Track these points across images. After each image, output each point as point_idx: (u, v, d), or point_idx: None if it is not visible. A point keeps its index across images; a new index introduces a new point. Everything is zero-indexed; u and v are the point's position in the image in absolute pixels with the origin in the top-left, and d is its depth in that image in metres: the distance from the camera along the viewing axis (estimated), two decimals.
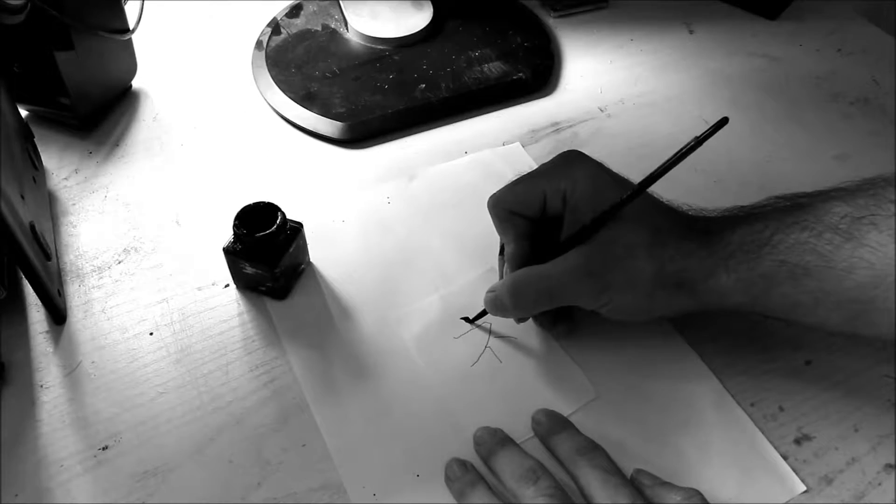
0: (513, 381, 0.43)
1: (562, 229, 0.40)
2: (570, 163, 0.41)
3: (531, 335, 0.45)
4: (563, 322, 0.44)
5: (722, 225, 0.39)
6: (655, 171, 0.36)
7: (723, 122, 0.33)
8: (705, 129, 0.33)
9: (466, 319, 0.45)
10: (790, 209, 0.38)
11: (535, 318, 0.45)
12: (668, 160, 0.35)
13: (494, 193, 0.42)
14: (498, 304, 0.41)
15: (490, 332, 0.45)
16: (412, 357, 0.43)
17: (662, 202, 0.40)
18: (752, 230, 0.37)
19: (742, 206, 0.40)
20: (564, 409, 0.41)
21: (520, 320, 0.44)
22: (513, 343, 0.44)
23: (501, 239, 0.43)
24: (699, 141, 0.34)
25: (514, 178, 0.42)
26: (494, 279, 0.47)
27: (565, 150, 0.42)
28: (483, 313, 0.44)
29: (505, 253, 0.42)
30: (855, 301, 0.35)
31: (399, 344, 0.44)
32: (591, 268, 0.38)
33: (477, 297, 0.45)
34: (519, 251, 0.41)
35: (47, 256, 0.44)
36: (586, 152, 0.42)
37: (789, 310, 0.38)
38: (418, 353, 0.44)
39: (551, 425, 0.40)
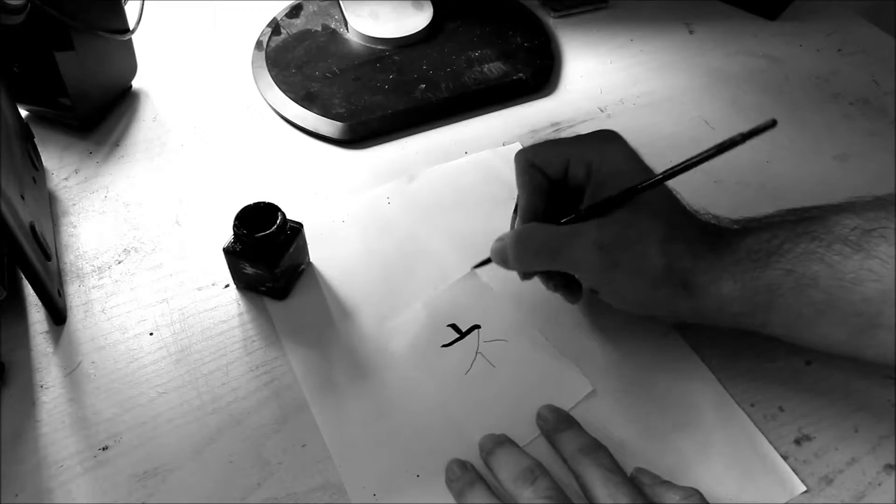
0: (509, 383, 0.43)
1: (581, 202, 0.40)
2: (605, 140, 0.41)
3: (521, 336, 0.45)
4: (573, 288, 0.43)
5: (732, 233, 0.39)
6: (693, 158, 0.35)
7: (771, 123, 0.31)
8: (752, 127, 0.32)
9: (454, 327, 0.45)
10: (800, 220, 0.37)
11: (542, 277, 0.44)
12: (708, 150, 0.34)
13: (523, 147, 0.42)
14: (502, 253, 0.40)
15: (479, 337, 0.44)
16: (406, 371, 0.43)
17: (682, 202, 0.40)
18: (760, 239, 0.37)
19: (753, 218, 0.40)
20: (564, 404, 0.41)
21: (525, 277, 0.43)
22: (503, 346, 0.44)
23: (518, 190, 0.42)
24: (744, 137, 0.32)
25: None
26: (476, 282, 0.47)
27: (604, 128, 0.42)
28: (488, 261, 0.43)
29: (518, 204, 0.42)
30: (860, 315, 0.35)
31: (398, 346, 0.44)
32: (603, 241, 0.37)
33: (460, 299, 0.45)
34: (531, 204, 0.41)
35: (47, 256, 0.44)
36: None
37: (790, 324, 0.37)
38: (412, 368, 0.43)
39: (556, 423, 0.40)
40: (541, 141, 0.42)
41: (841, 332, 0.36)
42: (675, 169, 0.36)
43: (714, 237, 0.38)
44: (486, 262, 0.43)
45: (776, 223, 0.38)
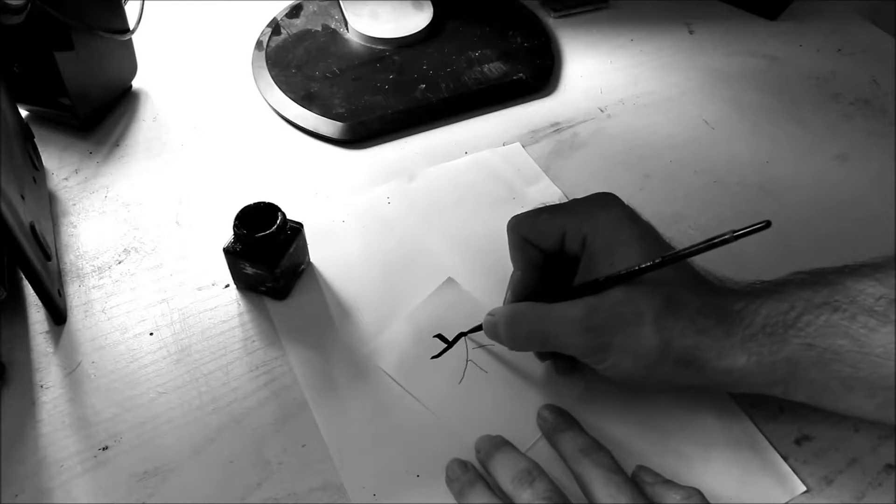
0: (503, 387, 0.42)
1: (577, 271, 0.39)
2: (600, 207, 0.40)
3: None
4: (562, 359, 0.42)
5: (744, 303, 0.36)
6: (683, 251, 0.34)
7: (765, 225, 0.31)
8: (745, 226, 0.32)
9: (440, 337, 0.44)
10: (817, 287, 0.35)
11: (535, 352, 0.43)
12: (699, 244, 0.33)
13: (516, 216, 0.41)
14: (495, 330, 0.40)
15: (467, 344, 0.44)
16: (400, 388, 0.42)
17: (688, 267, 0.38)
18: (776, 311, 0.35)
19: (765, 283, 0.38)
20: (560, 403, 0.41)
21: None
22: (492, 350, 0.44)
23: (512, 264, 0.42)
24: (735, 236, 0.32)
25: (538, 205, 0.41)
26: (457, 289, 0.47)
27: (598, 191, 0.41)
28: (479, 328, 0.42)
29: (511, 277, 0.41)
30: (892, 388, 0.33)
31: (387, 363, 0.43)
32: (591, 323, 0.36)
33: (442, 309, 0.44)
34: (524, 280, 0.40)
35: (47, 256, 0.44)
36: (586, 152, 0.42)
37: (816, 396, 0.36)
38: (405, 383, 0.42)
39: (557, 422, 0.39)
40: (533, 209, 0.41)
41: (870, 405, 0.34)
42: (657, 262, 0.35)
43: (722, 309, 0.36)
44: (478, 328, 0.42)
45: (790, 290, 0.36)
